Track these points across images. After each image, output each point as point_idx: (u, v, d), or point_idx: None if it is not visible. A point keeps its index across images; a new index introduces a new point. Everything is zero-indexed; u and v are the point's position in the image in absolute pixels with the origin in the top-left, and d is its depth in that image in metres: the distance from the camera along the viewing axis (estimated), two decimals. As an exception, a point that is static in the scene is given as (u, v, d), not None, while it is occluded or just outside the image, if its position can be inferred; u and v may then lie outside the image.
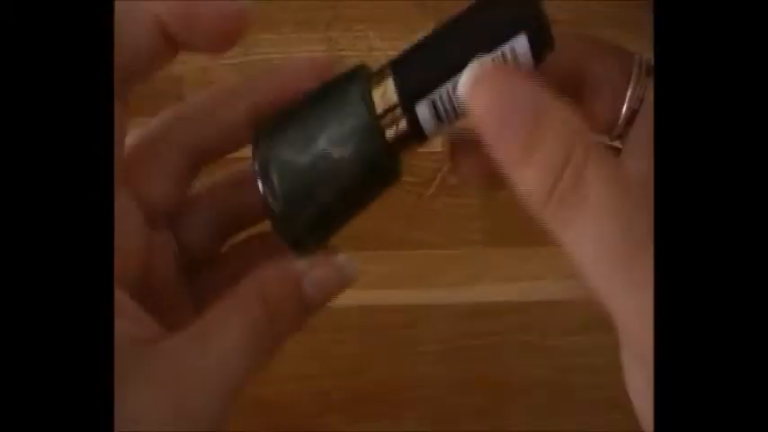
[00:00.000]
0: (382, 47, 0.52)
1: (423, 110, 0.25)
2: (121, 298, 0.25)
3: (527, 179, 0.22)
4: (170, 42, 0.26)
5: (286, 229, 0.27)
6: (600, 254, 0.22)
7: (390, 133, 0.26)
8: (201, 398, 0.24)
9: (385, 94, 0.26)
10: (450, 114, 0.26)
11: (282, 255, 0.27)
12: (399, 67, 0.26)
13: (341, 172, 0.26)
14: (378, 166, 0.26)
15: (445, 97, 0.25)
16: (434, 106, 0.25)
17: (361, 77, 0.27)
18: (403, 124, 0.26)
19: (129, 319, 0.25)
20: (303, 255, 0.27)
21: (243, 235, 0.31)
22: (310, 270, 0.25)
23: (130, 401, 0.23)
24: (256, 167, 0.27)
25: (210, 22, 0.26)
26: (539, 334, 0.50)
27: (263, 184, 0.27)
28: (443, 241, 0.51)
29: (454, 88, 0.25)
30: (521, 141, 0.22)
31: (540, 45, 0.24)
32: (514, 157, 0.22)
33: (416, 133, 0.26)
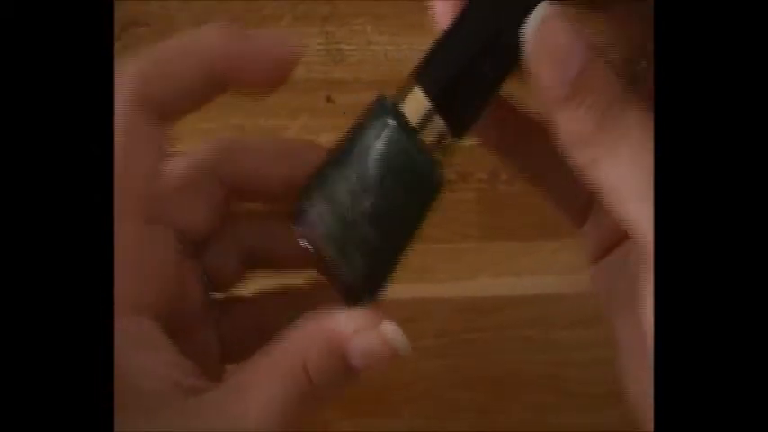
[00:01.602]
0: (380, 41, 0.52)
1: (456, 103, 0.25)
2: (162, 338, 0.25)
3: (573, 117, 0.23)
4: (220, 82, 0.27)
5: (349, 284, 0.26)
6: (630, 179, 0.23)
7: (432, 141, 0.25)
8: None
9: (415, 105, 0.25)
10: (483, 100, 0.25)
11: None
12: (420, 73, 0.25)
13: (392, 206, 0.25)
14: (427, 182, 0.26)
15: (477, 82, 0.25)
16: (467, 96, 0.25)
17: (385, 103, 0.26)
18: (441, 126, 0.25)
19: (170, 362, 0.25)
20: (360, 303, 0.26)
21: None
22: (356, 337, 0.25)
23: None
24: (300, 227, 0.26)
25: (261, 64, 0.27)
26: (539, 328, 0.50)
27: (316, 249, 0.26)
28: (443, 235, 0.51)
29: (483, 71, 0.25)
30: (572, 81, 0.23)
31: None
32: (564, 96, 0.23)
33: (456, 130, 0.25)
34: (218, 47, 0.27)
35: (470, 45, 0.25)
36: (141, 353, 0.25)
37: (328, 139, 0.55)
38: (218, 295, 0.31)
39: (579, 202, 0.30)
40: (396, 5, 0.52)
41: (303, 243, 0.26)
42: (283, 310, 0.30)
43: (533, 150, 0.29)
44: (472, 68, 0.25)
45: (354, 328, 0.25)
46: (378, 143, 0.25)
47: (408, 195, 0.25)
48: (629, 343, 0.28)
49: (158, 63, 0.27)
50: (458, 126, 0.25)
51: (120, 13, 0.55)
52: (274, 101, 0.56)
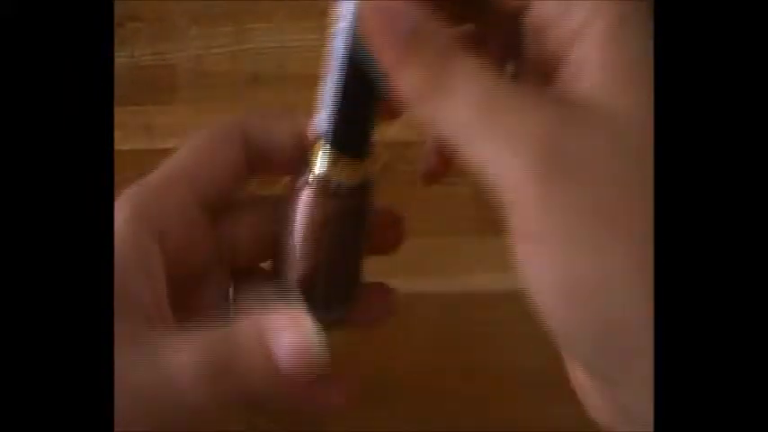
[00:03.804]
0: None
1: (351, 137, 0.28)
2: (159, 273, 0.28)
3: (406, 78, 0.25)
4: (251, 167, 0.30)
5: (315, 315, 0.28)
6: (465, 120, 0.24)
7: (346, 176, 0.29)
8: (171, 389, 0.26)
9: (323, 157, 0.28)
10: (371, 116, 0.28)
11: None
12: (321, 132, 0.29)
13: (332, 248, 0.29)
14: (350, 211, 0.29)
15: (362, 110, 0.28)
16: (358, 123, 0.28)
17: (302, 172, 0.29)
18: (347, 160, 0.28)
19: (154, 295, 0.27)
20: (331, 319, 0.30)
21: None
22: (281, 332, 0.27)
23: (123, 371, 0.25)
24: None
25: (287, 152, 0.30)
26: (533, 323, 0.50)
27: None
28: (437, 230, 0.51)
29: (362, 99, 0.28)
30: (402, 45, 0.24)
31: None
32: (397, 59, 0.25)
33: (362, 154, 0.29)
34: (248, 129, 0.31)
35: (338, 83, 0.28)
36: (142, 273, 0.27)
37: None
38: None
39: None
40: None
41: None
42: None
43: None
44: (348, 99, 0.28)
45: (283, 324, 0.27)
46: (304, 208, 0.29)
47: (346, 231, 0.29)
48: None
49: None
50: (360, 150, 0.29)
51: (117, 7, 0.55)
52: (272, 96, 0.56)
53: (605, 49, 0.24)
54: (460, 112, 0.24)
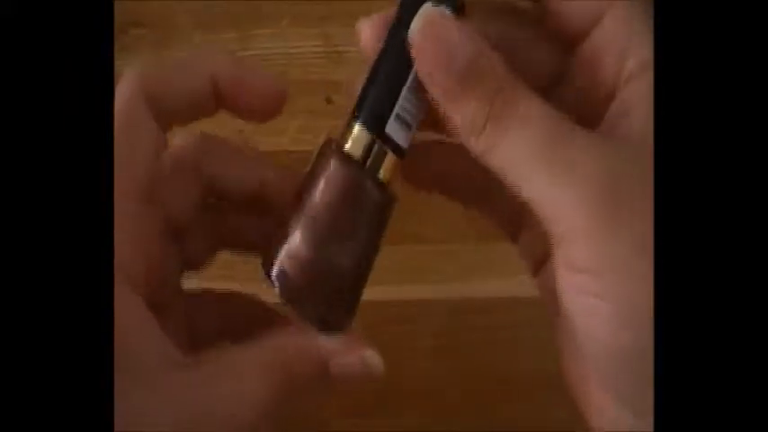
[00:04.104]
0: (379, 42, 0.52)
1: (394, 127, 0.27)
2: (147, 311, 0.26)
3: (463, 110, 0.25)
4: (215, 100, 0.29)
5: (312, 313, 0.27)
6: (526, 154, 0.24)
7: (377, 165, 0.27)
8: (214, 423, 0.25)
9: (357, 140, 0.27)
10: (415, 117, 0.27)
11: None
12: (357, 109, 0.27)
13: (348, 235, 0.27)
14: (380, 206, 0.27)
15: (406, 105, 0.27)
16: (401, 118, 0.27)
17: (330, 146, 0.28)
18: (383, 150, 0.27)
19: (157, 335, 0.26)
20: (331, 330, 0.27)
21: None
22: (338, 355, 0.27)
23: (137, 412, 0.24)
24: (272, 276, 0.27)
25: (254, 91, 0.29)
26: (536, 328, 0.50)
27: (282, 287, 0.27)
28: (440, 236, 0.51)
29: (408, 94, 0.26)
30: (460, 76, 0.24)
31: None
32: (453, 91, 0.25)
33: (397, 152, 0.27)
34: (220, 66, 0.29)
35: (392, 75, 0.27)
36: (134, 323, 0.26)
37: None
38: (188, 277, 0.32)
39: (512, 218, 0.31)
40: (393, 5, 0.53)
41: (275, 291, 0.28)
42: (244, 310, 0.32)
43: (461, 176, 0.30)
44: (398, 92, 0.27)
45: (339, 348, 0.27)
46: (328, 185, 0.27)
47: (365, 224, 0.27)
48: (565, 345, 0.29)
49: (164, 68, 0.29)
50: (398, 147, 0.27)
51: (120, 13, 0.55)
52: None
53: None
54: (519, 146, 0.24)
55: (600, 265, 0.23)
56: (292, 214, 0.27)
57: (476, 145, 0.25)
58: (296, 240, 0.27)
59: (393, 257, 0.49)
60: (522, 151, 0.24)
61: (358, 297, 0.28)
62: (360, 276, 0.28)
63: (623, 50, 0.25)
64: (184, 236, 0.31)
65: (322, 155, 0.28)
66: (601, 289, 0.24)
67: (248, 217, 0.32)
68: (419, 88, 0.26)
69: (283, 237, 0.27)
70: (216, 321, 0.32)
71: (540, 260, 0.30)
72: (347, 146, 0.27)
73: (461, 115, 0.25)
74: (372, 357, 0.27)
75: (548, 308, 0.30)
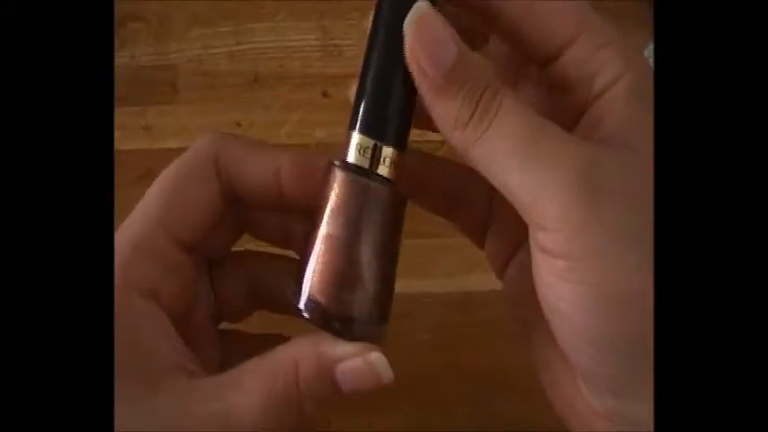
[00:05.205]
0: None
1: (390, 126, 0.27)
2: (169, 324, 0.27)
3: (449, 106, 0.25)
4: (280, 190, 0.30)
5: (348, 335, 0.27)
6: (507, 146, 0.25)
7: (385, 166, 0.27)
8: None
9: (356, 147, 0.27)
10: (409, 111, 0.27)
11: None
12: (352, 121, 0.27)
13: (374, 244, 0.27)
14: (391, 204, 0.27)
15: (399, 101, 0.27)
16: (396, 116, 0.27)
17: (333, 163, 0.28)
18: (387, 152, 0.27)
19: (174, 346, 0.27)
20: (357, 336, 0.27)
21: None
22: (346, 359, 0.27)
23: (144, 414, 0.25)
24: (300, 304, 0.27)
25: (263, 187, 0.29)
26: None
27: (312, 315, 0.27)
28: (438, 230, 0.51)
29: (399, 90, 0.27)
30: (446, 72, 0.25)
31: None
32: (439, 86, 0.25)
33: (397, 145, 0.27)
34: (284, 159, 0.30)
35: (376, 72, 0.27)
36: (151, 331, 0.27)
37: (324, 134, 0.55)
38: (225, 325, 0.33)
39: (477, 225, 0.32)
40: None
41: (308, 321, 0.28)
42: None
43: (430, 185, 0.31)
44: (387, 90, 0.27)
45: (345, 353, 0.27)
46: (338, 197, 0.27)
47: (381, 226, 0.27)
48: (538, 343, 0.29)
49: (239, 145, 0.30)
50: (399, 141, 0.27)
51: (118, 8, 0.55)
52: (271, 96, 0.56)
53: (631, 97, 0.25)
54: (501, 142, 0.25)
55: (581, 251, 0.24)
56: (310, 239, 0.27)
57: (460, 138, 0.25)
58: (318, 262, 0.27)
59: (391, 252, 0.49)
60: (504, 143, 0.25)
61: (389, 302, 0.29)
62: (387, 278, 0.28)
63: (592, 75, 0.26)
64: (219, 276, 0.32)
65: (327, 175, 0.28)
66: (581, 275, 0.24)
67: (284, 266, 0.32)
68: (409, 82, 0.26)
69: (305, 263, 0.27)
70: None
71: (506, 262, 0.31)
72: (349, 157, 0.27)
73: (447, 109, 0.25)
74: (380, 360, 0.27)
75: (511, 309, 0.31)
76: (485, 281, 0.51)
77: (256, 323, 0.33)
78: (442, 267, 0.51)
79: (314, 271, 0.27)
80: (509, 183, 0.25)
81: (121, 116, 0.53)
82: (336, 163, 0.27)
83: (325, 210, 0.27)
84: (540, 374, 0.30)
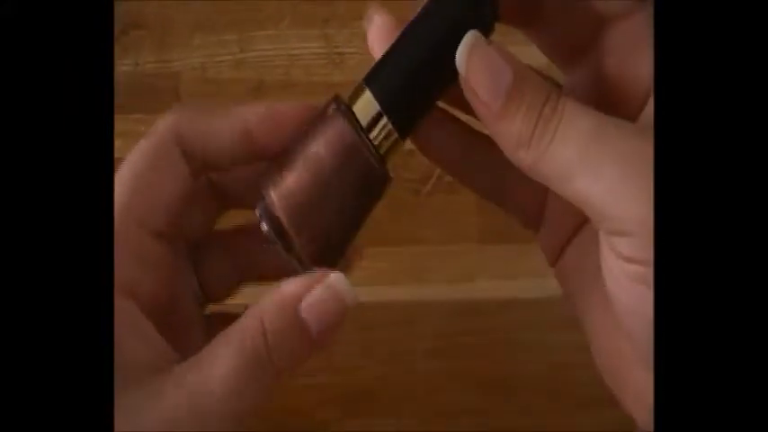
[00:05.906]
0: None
1: (403, 110, 0.27)
2: (144, 325, 0.27)
3: (509, 128, 0.25)
4: (253, 147, 0.29)
5: (300, 251, 0.27)
6: (574, 152, 0.24)
7: (379, 139, 0.27)
8: (196, 420, 0.25)
9: (365, 106, 0.27)
10: (424, 106, 0.28)
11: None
12: (372, 78, 0.28)
13: (339, 192, 0.27)
14: (372, 177, 0.28)
15: (421, 94, 0.27)
16: (413, 104, 0.27)
17: (339, 102, 0.28)
18: (388, 127, 0.27)
19: (147, 343, 0.27)
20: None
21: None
22: (305, 294, 0.26)
23: (124, 411, 0.25)
24: (259, 211, 0.28)
25: (289, 130, 0.29)
26: (536, 330, 0.50)
27: (269, 224, 0.28)
28: (440, 238, 0.51)
29: (426, 82, 0.27)
30: (507, 91, 0.25)
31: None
32: (499, 111, 0.25)
33: (401, 131, 0.28)
34: (253, 112, 0.29)
35: (414, 58, 0.27)
36: (125, 332, 0.26)
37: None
38: (211, 306, 0.32)
39: (531, 209, 0.31)
40: (395, 7, 0.53)
41: (263, 228, 0.28)
42: None
43: (481, 163, 0.31)
44: (416, 78, 0.27)
45: (303, 284, 0.26)
46: (330, 140, 0.27)
47: (356, 189, 0.28)
48: (600, 326, 0.28)
49: (200, 114, 0.30)
50: (403, 127, 0.28)
51: (121, 15, 0.55)
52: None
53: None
54: (566, 151, 0.25)
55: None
56: (288, 155, 0.28)
57: (525, 156, 0.25)
58: (288, 182, 0.27)
59: (392, 259, 0.49)
60: (571, 150, 0.25)
61: (346, 243, 0.28)
62: (346, 227, 0.28)
63: (637, 62, 0.26)
64: (201, 260, 0.31)
65: (328, 108, 0.28)
66: None
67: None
68: (437, 84, 0.27)
69: (276, 175, 0.28)
70: None
71: (560, 248, 0.31)
72: (355, 108, 0.27)
73: (508, 132, 0.26)
74: (339, 281, 0.26)
75: (569, 295, 0.30)
76: (488, 289, 0.51)
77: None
78: (443, 274, 0.51)
79: (282, 186, 0.27)
80: (580, 191, 0.25)
81: (124, 124, 0.53)
82: (342, 107, 0.28)
83: (313, 140, 0.28)
84: (601, 361, 0.29)
